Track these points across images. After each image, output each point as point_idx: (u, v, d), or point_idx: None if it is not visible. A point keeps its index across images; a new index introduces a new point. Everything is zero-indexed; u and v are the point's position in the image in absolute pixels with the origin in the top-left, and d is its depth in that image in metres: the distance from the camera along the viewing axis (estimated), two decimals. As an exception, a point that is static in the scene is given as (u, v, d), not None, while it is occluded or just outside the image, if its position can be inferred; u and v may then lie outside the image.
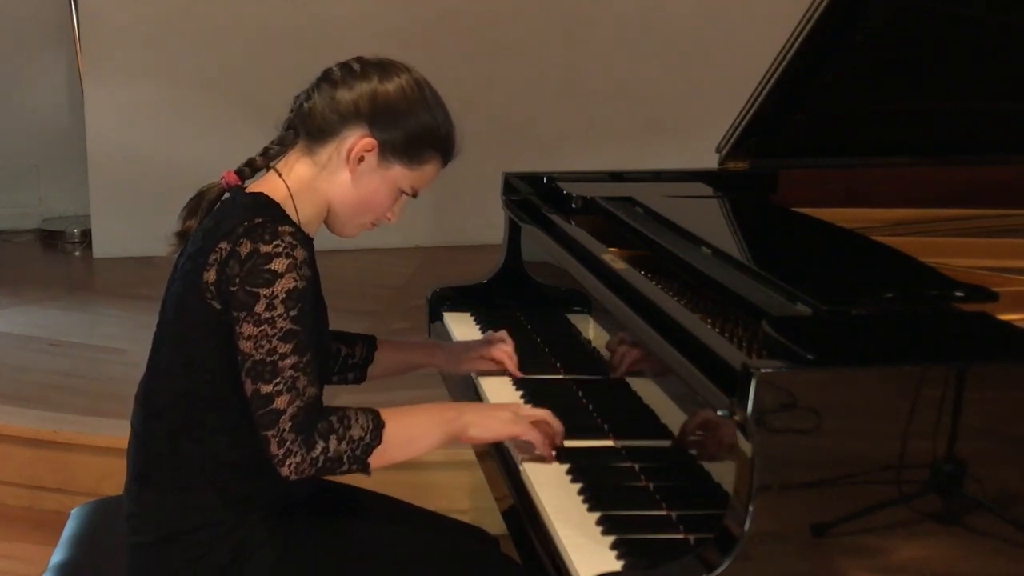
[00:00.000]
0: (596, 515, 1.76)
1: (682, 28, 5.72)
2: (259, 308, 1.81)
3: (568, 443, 1.98)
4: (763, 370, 1.49)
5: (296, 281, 1.82)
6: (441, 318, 2.69)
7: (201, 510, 1.92)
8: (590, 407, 2.16)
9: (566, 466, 1.92)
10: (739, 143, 2.66)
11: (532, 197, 2.66)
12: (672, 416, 1.84)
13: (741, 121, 2.63)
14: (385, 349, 2.31)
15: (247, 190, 1.97)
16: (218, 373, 1.89)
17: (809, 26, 2.41)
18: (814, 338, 1.58)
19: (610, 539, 1.68)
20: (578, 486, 1.85)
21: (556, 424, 1.97)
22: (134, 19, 5.51)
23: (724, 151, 2.70)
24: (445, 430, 1.94)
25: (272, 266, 1.81)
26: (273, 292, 1.81)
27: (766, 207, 2.56)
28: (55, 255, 5.90)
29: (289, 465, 1.82)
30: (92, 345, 4.48)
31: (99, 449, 3.53)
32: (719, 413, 1.56)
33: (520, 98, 5.74)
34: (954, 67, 2.57)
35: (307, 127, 1.96)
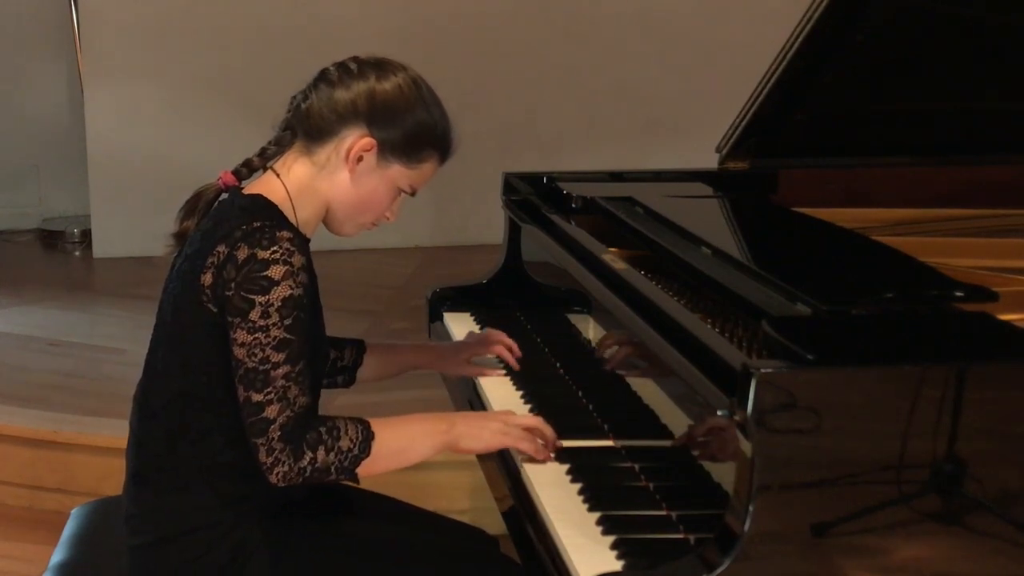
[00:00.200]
0: (596, 515, 1.76)
1: (682, 28, 5.72)
2: (254, 315, 1.81)
3: (568, 443, 1.98)
4: (763, 370, 1.49)
5: (292, 289, 1.82)
6: (441, 318, 2.69)
7: (198, 511, 1.92)
8: (590, 407, 2.16)
9: (566, 466, 1.92)
10: (739, 143, 2.66)
11: (532, 197, 2.66)
12: (672, 416, 1.84)
13: (741, 121, 2.63)
14: (374, 352, 2.31)
15: (245, 190, 1.96)
16: (214, 375, 1.88)
17: (809, 26, 2.41)
18: (814, 338, 1.58)
19: (610, 539, 1.68)
20: (578, 486, 1.85)
21: (548, 431, 1.97)
22: (134, 19, 5.51)
23: (724, 151, 2.70)
24: (436, 441, 1.94)
25: (269, 273, 1.81)
26: (269, 300, 1.81)
27: (766, 207, 2.56)
28: (55, 255, 5.89)
29: (277, 474, 1.82)
30: (92, 345, 4.48)
31: (99, 449, 3.53)
32: (719, 413, 1.56)
33: (520, 98, 5.75)
34: (954, 67, 2.57)
35: (305, 127, 1.95)
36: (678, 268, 2.08)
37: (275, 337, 1.81)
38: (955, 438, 1.54)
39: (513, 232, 2.72)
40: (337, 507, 2.10)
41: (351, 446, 1.86)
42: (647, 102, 5.76)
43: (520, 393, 2.26)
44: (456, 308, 2.70)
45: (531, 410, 2.16)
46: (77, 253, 5.86)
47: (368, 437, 1.87)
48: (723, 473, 1.62)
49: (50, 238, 5.99)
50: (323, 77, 1.96)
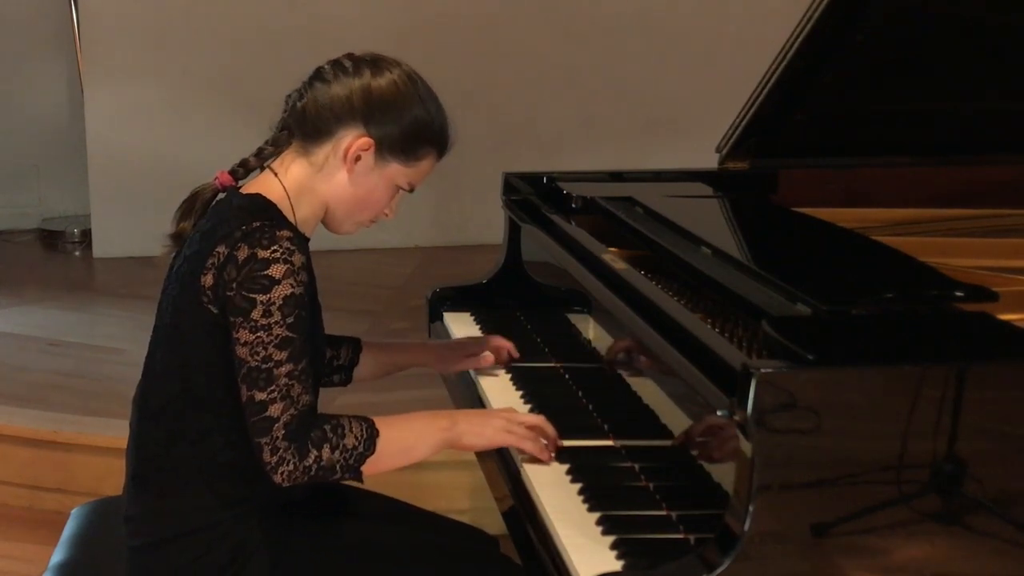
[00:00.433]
0: (596, 515, 1.76)
1: (682, 28, 5.72)
2: (255, 314, 1.81)
3: (568, 443, 1.98)
4: (763, 370, 1.49)
5: (294, 287, 1.82)
6: (441, 318, 2.69)
7: (198, 512, 1.92)
8: (590, 407, 2.16)
9: (566, 466, 1.92)
10: (739, 143, 2.66)
11: (532, 197, 2.66)
12: (672, 416, 1.84)
13: (741, 121, 2.63)
14: (371, 351, 2.31)
15: (243, 190, 1.96)
16: (214, 376, 1.88)
17: (809, 26, 2.41)
18: (814, 338, 1.58)
19: (610, 539, 1.68)
20: (578, 486, 1.85)
21: (550, 430, 1.97)
22: (134, 19, 5.51)
23: (724, 151, 2.70)
24: (439, 438, 1.94)
25: (269, 272, 1.81)
26: (270, 299, 1.80)
27: (766, 207, 2.56)
28: (55, 255, 5.89)
29: (282, 473, 1.82)
30: (92, 345, 4.48)
31: (99, 449, 3.53)
32: (719, 413, 1.56)
33: (520, 98, 5.74)
34: (954, 67, 2.57)
35: (301, 127, 1.95)
36: (678, 268, 2.08)
37: (277, 335, 1.81)
38: (955, 438, 1.54)
39: (513, 232, 2.72)
40: (337, 507, 2.10)
41: (356, 444, 1.86)
42: (647, 102, 5.76)
43: (520, 393, 2.26)
44: (456, 308, 2.70)
45: (531, 410, 2.16)
46: (77, 253, 5.86)
47: (373, 435, 1.87)
48: (723, 473, 1.62)
49: (50, 238, 5.99)
50: (318, 75, 1.96)
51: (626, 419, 2.03)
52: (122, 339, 4.49)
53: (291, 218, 1.91)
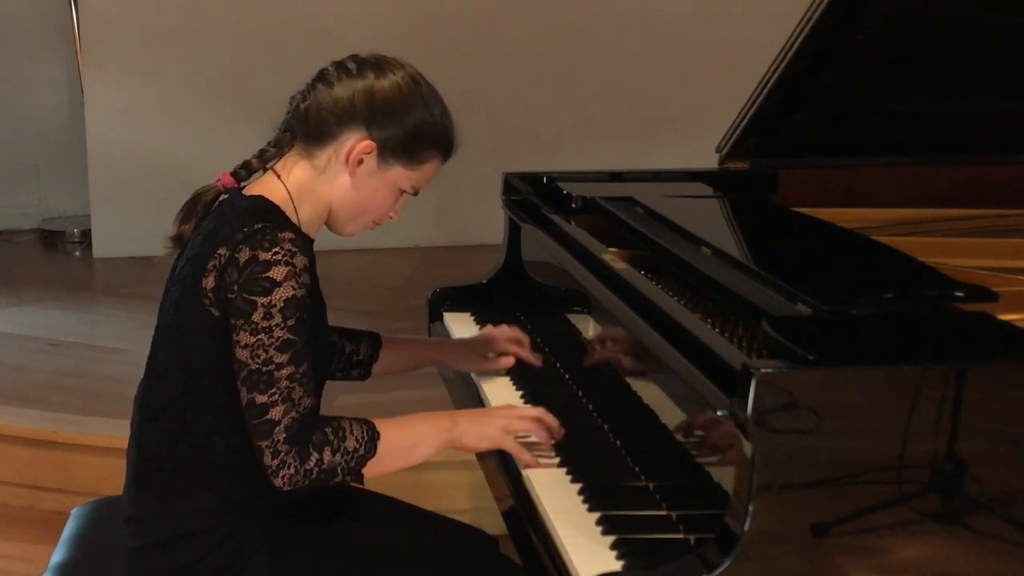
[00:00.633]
0: (596, 515, 1.76)
1: (682, 28, 5.72)
2: (256, 317, 1.80)
3: (568, 443, 1.98)
4: (763, 370, 1.49)
5: (295, 290, 1.81)
6: (441, 318, 2.69)
7: (198, 514, 1.92)
8: (590, 407, 2.16)
9: (566, 466, 1.92)
10: (739, 143, 2.66)
11: (532, 197, 2.66)
12: (672, 416, 1.83)
13: (741, 121, 2.63)
14: (390, 347, 2.30)
15: (245, 192, 1.95)
16: (215, 378, 1.88)
17: (809, 26, 2.41)
18: (814, 338, 1.58)
19: (610, 539, 1.68)
20: (578, 486, 1.85)
21: (551, 420, 1.97)
22: (134, 19, 5.51)
23: (724, 151, 2.70)
24: (441, 438, 1.94)
25: (271, 274, 1.80)
26: (271, 301, 1.80)
27: (766, 207, 2.56)
28: (55, 255, 5.89)
29: (283, 477, 1.82)
30: (92, 345, 4.48)
31: (99, 449, 3.53)
32: (719, 413, 1.56)
33: (520, 98, 5.74)
34: (954, 67, 2.57)
35: (304, 129, 1.94)
36: (678, 268, 2.08)
37: (278, 338, 1.80)
38: (955, 438, 1.54)
39: (513, 232, 2.72)
40: (336, 508, 2.09)
41: (357, 446, 1.85)
42: (647, 102, 5.76)
43: (520, 393, 2.26)
44: (456, 308, 2.70)
45: (531, 410, 2.16)
46: (77, 253, 5.86)
47: (374, 437, 1.87)
48: (723, 473, 1.62)
49: (50, 238, 5.99)
50: (321, 77, 1.95)
51: (626, 419, 2.03)
52: (122, 339, 4.49)
53: (294, 220, 1.90)
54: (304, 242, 1.86)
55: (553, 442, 1.97)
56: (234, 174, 1.98)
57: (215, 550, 1.91)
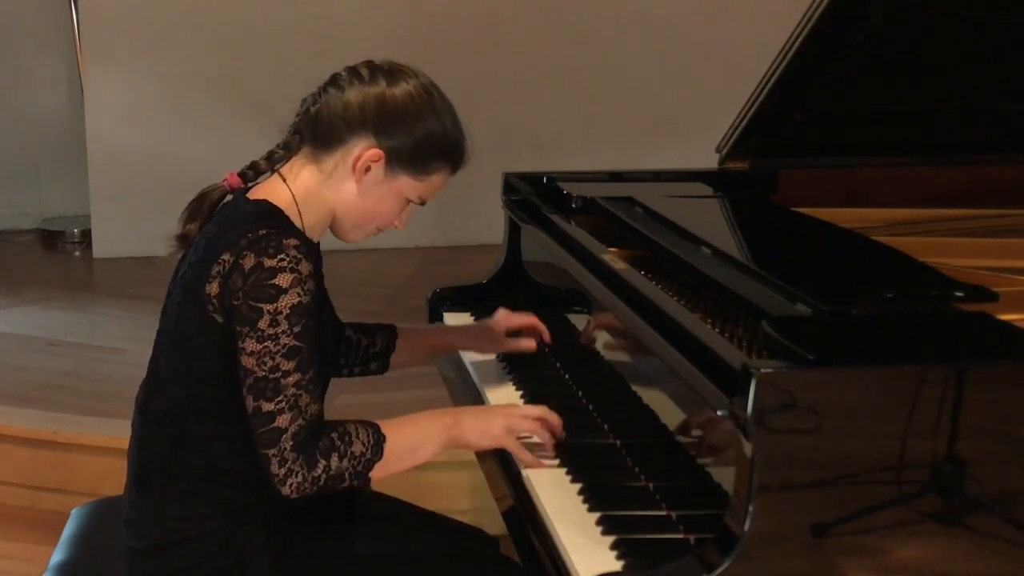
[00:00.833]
0: (596, 515, 1.76)
1: (682, 28, 5.72)
2: (262, 324, 1.79)
3: (568, 443, 1.98)
4: (763, 370, 1.49)
5: (301, 296, 1.79)
6: (441, 318, 2.69)
7: (199, 519, 1.91)
8: (590, 407, 2.16)
9: (566, 466, 1.92)
10: (739, 143, 2.66)
11: (532, 197, 2.66)
12: (672, 416, 1.83)
13: (741, 121, 2.63)
14: (406, 336, 2.29)
15: (250, 194, 1.93)
16: (218, 383, 1.87)
17: (809, 26, 2.40)
18: (814, 338, 1.58)
19: (610, 539, 1.68)
20: (578, 486, 1.85)
21: (553, 419, 1.97)
22: (134, 18, 5.51)
23: (724, 151, 2.70)
24: (444, 436, 1.93)
25: (276, 281, 1.79)
26: (277, 308, 1.78)
27: (766, 207, 2.56)
28: (55, 255, 5.89)
29: (291, 485, 1.81)
30: (92, 345, 4.48)
31: (99, 449, 3.53)
32: (719, 413, 1.56)
33: (520, 98, 5.74)
34: (954, 67, 2.57)
35: (312, 133, 1.92)
36: (678, 268, 2.08)
37: (285, 345, 1.79)
38: (955, 438, 1.54)
39: (513, 232, 2.72)
40: (337, 508, 2.09)
41: (364, 450, 1.85)
42: (647, 102, 5.76)
43: (520, 393, 2.27)
44: (456, 308, 2.70)
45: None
46: (77, 253, 5.86)
47: (379, 440, 1.86)
48: (723, 473, 1.62)
49: (50, 238, 5.99)
50: (333, 81, 1.93)
51: (626, 419, 2.03)
52: (122, 339, 4.49)
53: (299, 224, 1.89)
54: (309, 248, 1.84)
55: (554, 443, 1.96)
56: (241, 175, 1.96)
57: (216, 554, 1.91)
